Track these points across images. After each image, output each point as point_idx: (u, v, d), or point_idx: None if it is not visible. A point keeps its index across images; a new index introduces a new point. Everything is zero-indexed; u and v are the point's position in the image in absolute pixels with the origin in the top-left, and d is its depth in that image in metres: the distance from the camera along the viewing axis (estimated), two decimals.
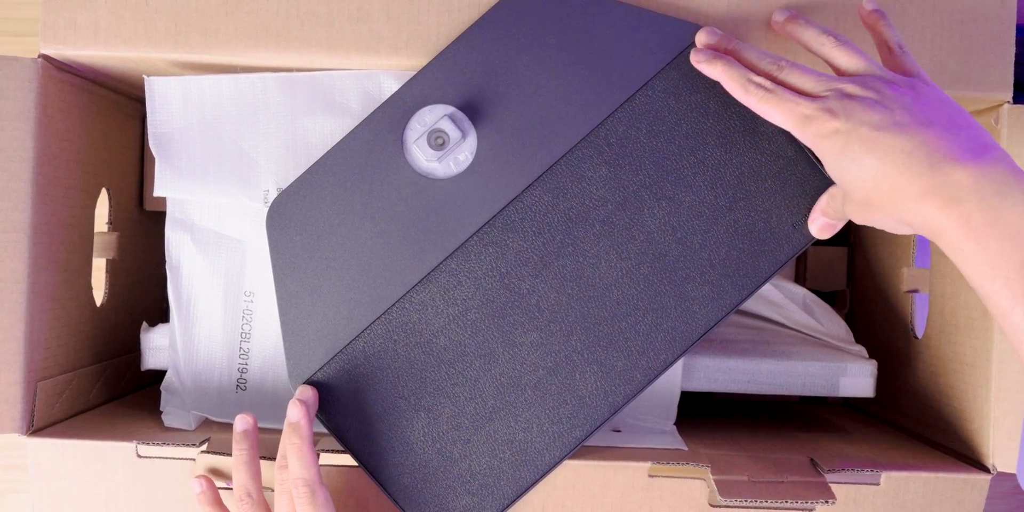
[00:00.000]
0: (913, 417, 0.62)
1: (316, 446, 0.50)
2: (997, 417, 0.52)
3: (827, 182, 0.50)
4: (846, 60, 0.45)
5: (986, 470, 0.52)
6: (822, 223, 0.49)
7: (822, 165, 0.49)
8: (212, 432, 0.54)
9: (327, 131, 0.54)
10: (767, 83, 0.45)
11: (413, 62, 0.51)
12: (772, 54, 0.47)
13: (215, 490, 0.50)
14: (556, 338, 0.51)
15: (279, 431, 0.50)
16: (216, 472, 0.51)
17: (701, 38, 0.49)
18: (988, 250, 0.39)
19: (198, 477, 0.50)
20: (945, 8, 0.52)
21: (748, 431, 0.62)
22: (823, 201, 0.48)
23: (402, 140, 0.51)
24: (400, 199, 0.51)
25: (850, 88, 0.43)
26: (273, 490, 0.49)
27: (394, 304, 0.51)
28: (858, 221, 0.45)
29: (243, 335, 0.57)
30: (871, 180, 0.42)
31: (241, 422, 0.50)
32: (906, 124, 0.41)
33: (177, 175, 0.56)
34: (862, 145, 0.41)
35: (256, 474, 0.49)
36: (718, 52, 0.48)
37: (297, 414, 0.49)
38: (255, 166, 0.55)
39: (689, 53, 0.49)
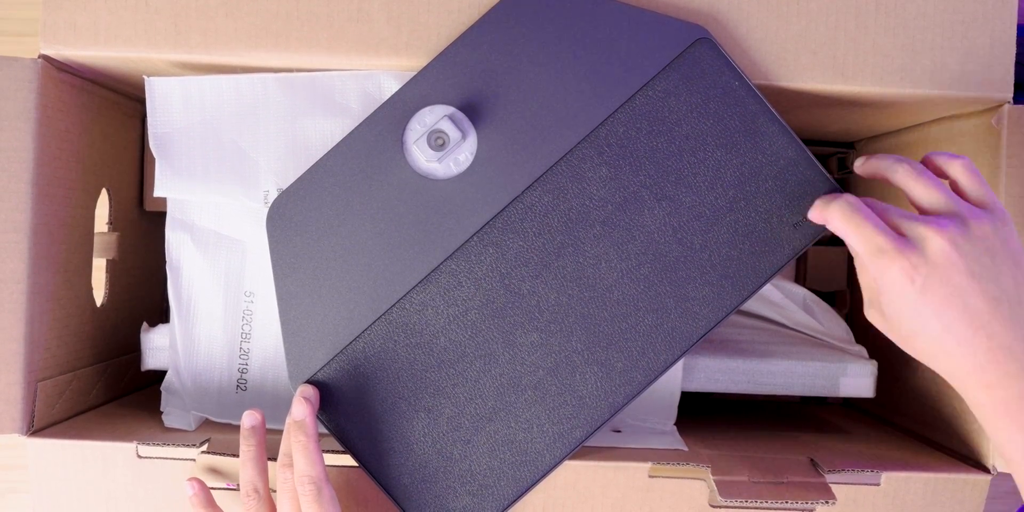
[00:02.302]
0: (913, 417, 0.62)
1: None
2: None
3: (828, 183, 0.50)
4: (924, 193, 0.44)
5: (986, 470, 0.52)
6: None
7: (827, 173, 0.49)
8: (212, 432, 0.54)
9: (327, 131, 0.54)
10: (854, 200, 0.45)
11: (413, 62, 0.51)
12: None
13: (207, 492, 0.50)
14: (556, 338, 0.51)
15: (279, 431, 0.50)
16: (216, 472, 0.51)
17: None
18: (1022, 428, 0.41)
19: (190, 480, 0.50)
20: (945, 8, 0.52)
21: (748, 431, 0.62)
22: (859, 259, 0.45)
23: (402, 141, 0.51)
24: (400, 200, 0.51)
25: (931, 232, 0.42)
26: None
27: (394, 305, 0.51)
28: (879, 327, 0.45)
29: (243, 335, 0.57)
30: (925, 333, 0.42)
31: (249, 418, 0.50)
32: (979, 292, 0.42)
33: (177, 175, 0.56)
34: (932, 306, 0.42)
35: (263, 471, 0.49)
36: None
37: (302, 412, 0.49)
38: (255, 166, 0.55)
39: (689, 54, 0.49)
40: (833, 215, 0.45)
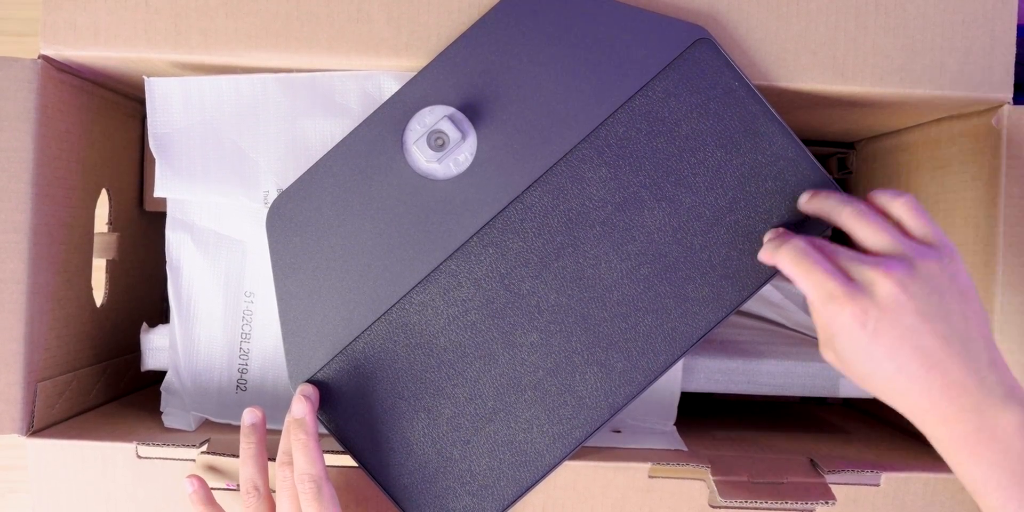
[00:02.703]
0: None
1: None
2: None
3: (829, 184, 0.50)
4: (869, 234, 0.45)
5: None
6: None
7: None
8: (212, 433, 0.54)
9: (327, 132, 0.54)
10: (803, 244, 0.45)
11: (413, 63, 0.51)
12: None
13: (207, 489, 0.50)
14: (556, 339, 0.51)
15: (279, 431, 0.50)
16: (216, 472, 0.51)
17: None
18: (981, 461, 0.42)
19: (189, 477, 0.50)
20: (945, 8, 0.52)
21: (748, 431, 0.62)
22: (812, 300, 0.45)
23: (402, 141, 0.51)
24: (400, 200, 0.51)
25: (871, 272, 0.42)
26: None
27: (394, 305, 0.51)
28: (836, 367, 0.45)
29: (243, 336, 0.57)
30: (879, 374, 0.43)
31: (250, 416, 0.50)
32: (929, 332, 0.42)
33: (177, 175, 0.56)
34: (881, 343, 0.42)
35: (264, 468, 0.49)
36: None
37: (302, 410, 0.49)
38: (255, 167, 0.55)
39: (689, 55, 0.49)
40: (783, 260, 0.45)
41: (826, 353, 0.45)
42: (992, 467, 0.41)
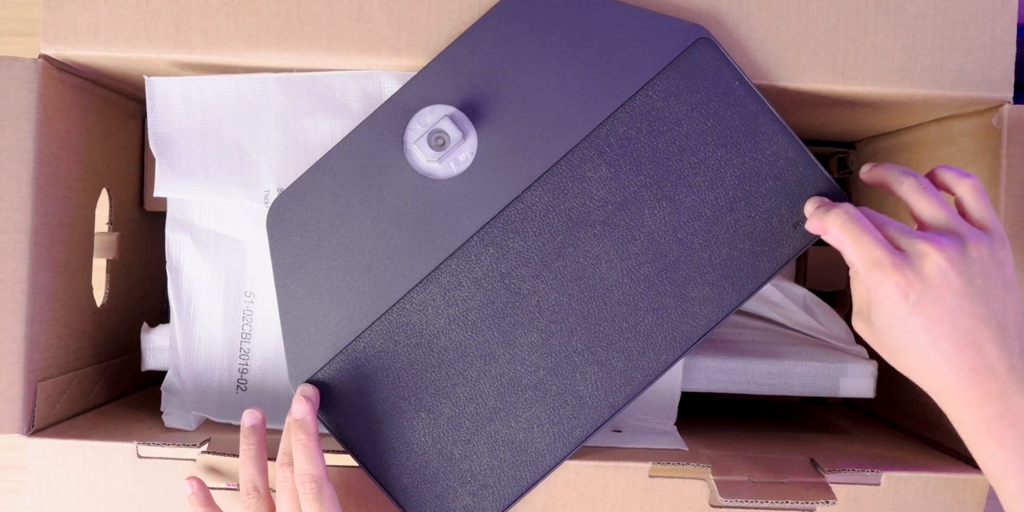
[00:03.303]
0: (913, 417, 0.62)
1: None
2: None
3: (828, 183, 0.50)
4: (927, 208, 0.45)
5: None
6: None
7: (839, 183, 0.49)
8: (212, 432, 0.54)
9: (327, 131, 0.54)
10: (853, 210, 0.45)
11: (413, 62, 0.51)
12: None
13: (206, 490, 0.50)
14: (556, 338, 0.51)
15: (279, 431, 0.50)
16: (216, 472, 0.51)
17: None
18: (1003, 446, 0.42)
19: (188, 479, 0.50)
20: (945, 8, 0.52)
21: (748, 431, 0.62)
22: (856, 276, 0.46)
23: (402, 140, 0.51)
24: (400, 199, 0.51)
25: (922, 245, 0.43)
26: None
27: (395, 304, 0.51)
28: (866, 338, 0.46)
29: (243, 335, 0.57)
30: (912, 348, 0.43)
31: (250, 417, 0.50)
32: (969, 313, 0.42)
33: (177, 175, 0.56)
34: (920, 317, 0.42)
35: (263, 469, 0.49)
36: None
37: (302, 410, 0.49)
38: (255, 166, 0.55)
39: (690, 54, 0.49)
40: (831, 224, 0.45)
41: (857, 323, 0.45)
42: (1013, 452, 0.42)
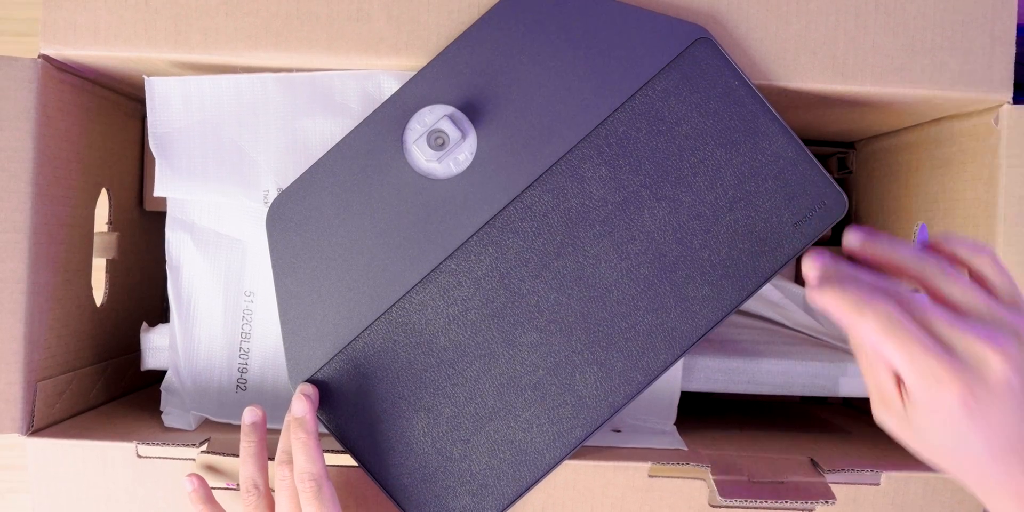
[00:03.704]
0: None
1: None
2: None
3: (829, 184, 0.50)
4: (963, 296, 0.40)
5: None
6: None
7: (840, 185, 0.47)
8: (212, 432, 0.54)
9: (327, 131, 0.54)
10: (894, 310, 0.39)
11: (413, 62, 0.51)
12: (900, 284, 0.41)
13: (206, 487, 0.50)
14: (556, 338, 0.51)
15: (279, 431, 0.50)
16: (216, 472, 0.51)
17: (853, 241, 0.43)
18: None
19: (189, 475, 0.50)
20: (945, 8, 0.52)
21: (748, 431, 0.62)
22: (879, 389, 0.41)
23: (402, 140, 0.51)
24: (400, 199, 0.51)
25: (980, 346, 0.38)
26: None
27: (394, 304, 0.51)
28: (893, 430, 0.42)
29: (243, 335, 0.57)
30: (960, 451, 0.40)
31: (250, 414, 0.50)
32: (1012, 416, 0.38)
33: (177, 175, 0.56)
34: (979, 425, 0.38)
35: (263, 467, 0.49)
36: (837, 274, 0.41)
37: (302, 409, 0.49)
38: (255, 166, 0.55)
39: (689, 54, 0.49)
40: (869, 327, 0.39)
41: (884, 414, 0.42)
42: None
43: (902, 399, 0.40)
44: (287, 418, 0.49)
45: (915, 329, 0.38)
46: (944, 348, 0.38)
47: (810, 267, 0.43)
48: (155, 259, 0.65)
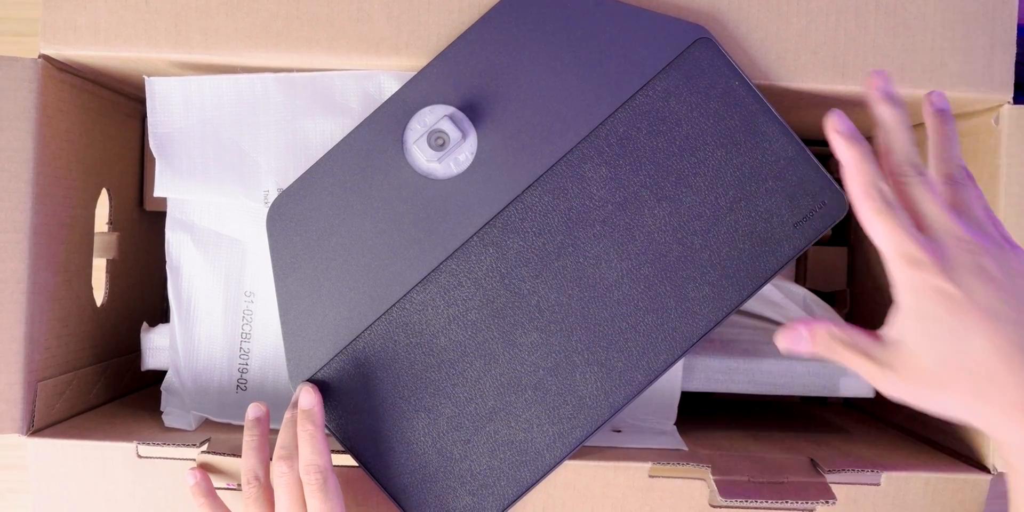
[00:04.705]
0: (913, 417, 0.62)
1: None
2: None
3: (829, 184, 0.50)
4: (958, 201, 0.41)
5: (986, 470, 0.52)
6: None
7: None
8: (212, 432, 0.54)
9: (327, 131, 0.54)
10: (890, 194, 0.40)
11: (413, 62, 0.51)
12: (917, 156, 0.41)
13: (209, 481, 0.50)
14: (556, 338, 0.51)
15: (278, 431, 0.50)
16: (216, 472, 0.51)
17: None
18: None
19: (192, 469, 0.50)
20: (945, 8, 0.52)
21: (748, 431, 0.62)
22: (849, 341, 0.41)
23: (402, 140, 0.51)
24: (400, 199, 0.51)
25: (970, 246, 0.38)
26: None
27: (394, 304, 0.51)
28: (902, 397, 0.40)
29: (243, 335, 0.57)
30: (969, 361, 0.37)
31: (254, 410, 0.50)
32: (1017, 315, 0.37)
33: (177, 175, 0.56)
34: (975, 322, 0.37)
35: (265, 460, 0.49)
36: (859, 135, 0.42)
37: (310, 401, 0.49)
38: (255, 166, 0.55)
39: (690, 54, 0.49)
40: (865, 212, 0.40)
41: (878, 349, 0.40)
42: None
43: (881, 339, 0.40)
44: (287, 415, 0.49)
45: (900, 212, 0.39)
46: (928, 239, 0.39)
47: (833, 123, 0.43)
48: (155, 259, 0.65)
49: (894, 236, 0.39)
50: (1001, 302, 0.38)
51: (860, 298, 0.73)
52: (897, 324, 0.40)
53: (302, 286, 0.51)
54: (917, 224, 0.40)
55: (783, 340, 0.43)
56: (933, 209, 0.40)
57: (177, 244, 0.57)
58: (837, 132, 0.42)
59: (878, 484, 0.51)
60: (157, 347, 0.59)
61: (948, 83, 0.52)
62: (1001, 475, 0.52)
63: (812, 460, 0.53)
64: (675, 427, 0.57)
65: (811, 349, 0.42)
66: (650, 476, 0.51)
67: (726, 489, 0.50)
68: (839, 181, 0.51)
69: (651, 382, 0.51)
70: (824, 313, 0.66)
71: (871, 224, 0.40)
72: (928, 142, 0.44)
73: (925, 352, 0.39)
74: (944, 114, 0.44)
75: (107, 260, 0.64)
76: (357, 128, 0.51)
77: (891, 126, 0.42)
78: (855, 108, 0.57)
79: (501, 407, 0.51)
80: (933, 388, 0.39)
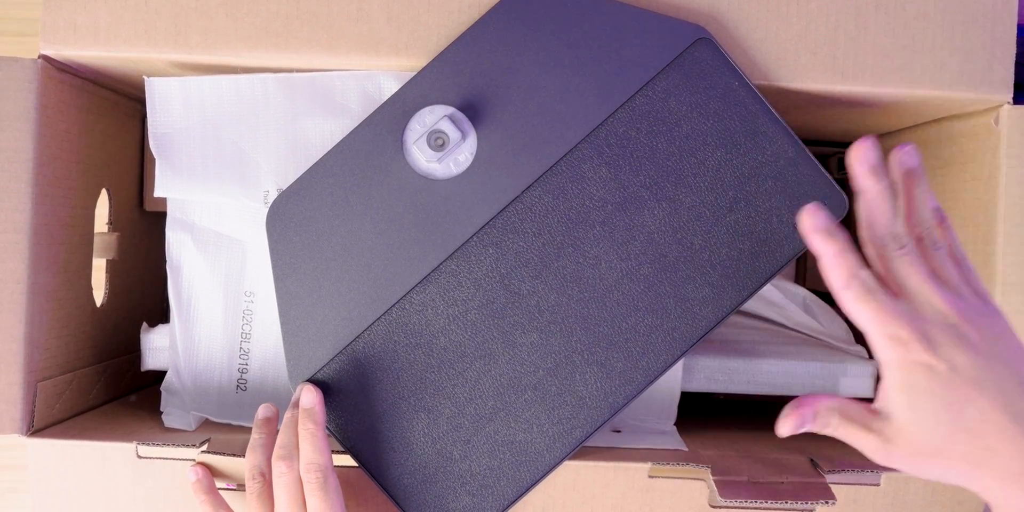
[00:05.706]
0: None
1: None
2: None
3: (829, 184, 0.50)
4: (940, 267, 0.42)
5: None
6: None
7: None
8: (212, 433, 0.54)
9: (327, 132, 0.54)
10: (870, 280, 0.41)
11: (413, 63, 0.51)
12: (900, 226, 0.42)
13: (210, 478, 0.50)
14: (556, 339, 0.51)
15: (277, 431, 0.50)
16: (216, 472, 0.51)
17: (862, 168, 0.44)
18: None
19: (194, 466, 0.50)
20: (945, 8, 0.52)
21: (748, 431, 0.62)
22: (848, 416, 0.43)
23: (402, 141, 0.51)
24: (400, 200, 0.51)
25: (950, 318, 0.40)
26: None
27: (394, 305, 0.51)
28: (902, 468, 0.42)
29: (243, 335, 0.57)
30: (961, 431, 0.39)
31: (265, 410, 0.51)
32: (1001, 380, 0.39)
33: (177, 175, 0.56)
34: (963, 393, 0.39)
35: (270, 458, 0.49)
36: (836, 230, 0.43)
37: (311, 400, 0.49)
38: (255, 166, 0.55)
39: (689, 54, 0.49)
40: (848, 299, 0.41)
41: (876, 426, 0.42)
42: None
43: (878, 413, 0.42)
44: (287, 414, 0.49)
45: (881, 294, 0.41)
46: (909, 313, 0.40)
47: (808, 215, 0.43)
48: (155, 259, 0.65)
49: (878, 318, 0.41)
50: (982, 369, 0.39)
51: None
52: (889, 399, 0.42)
53: (302, 286, 0.51)
54: (898, 292, 0.41)
55: (788, 424, 0.44)
56: (914, 282, 0.41)
57: (177, 244, 0.57)
58: (815, 230, 0.43)
59: (878, 484, 0.51)
60: (157, 347, 0.59)
61: (948, 83, 0.52)
62: None
63: (812, 460, 0.53)
64: (675, 427, 0.57)
65: (814, 429, 0.44)
66: (650, 476, 0.51)
67: (726, 489, 0.50)
68: (839, 181, 0.51)
69: (651, 382, 0.51)
70: (824, 313, 0.66)
71: (855, 311, 0.41)
72: (899, 197, 0.44)
73: (918, 425, 0.40)
74: (914, 173, 0.44)
75: (107, 260, 0.64)
76: (357, 128, 0.51)
77: (873, 198, 0.43)
78: (854, 108, 0.57)
79: (501, 407, 0.51)
80: (929, 459, 0.41)
